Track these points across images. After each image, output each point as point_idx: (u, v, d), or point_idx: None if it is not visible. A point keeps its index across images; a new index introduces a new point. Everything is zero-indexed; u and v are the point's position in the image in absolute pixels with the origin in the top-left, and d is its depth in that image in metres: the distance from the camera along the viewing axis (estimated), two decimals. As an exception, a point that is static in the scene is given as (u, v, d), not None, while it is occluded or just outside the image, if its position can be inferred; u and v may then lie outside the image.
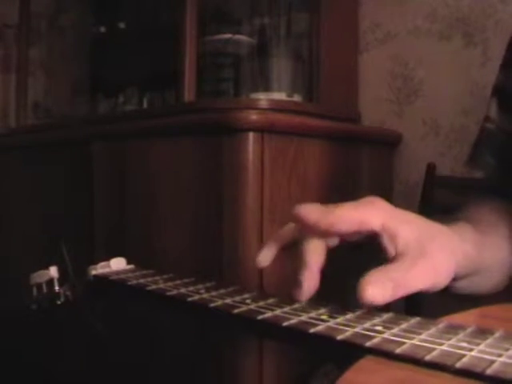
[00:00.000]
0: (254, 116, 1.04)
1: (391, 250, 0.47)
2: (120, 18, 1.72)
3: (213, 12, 1.49)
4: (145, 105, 1.64)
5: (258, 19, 1.46)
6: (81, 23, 1.91)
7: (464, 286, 0.55)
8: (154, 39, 1.55)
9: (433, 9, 1.37)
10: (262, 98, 1.25)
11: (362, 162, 1.30)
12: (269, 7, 1.46)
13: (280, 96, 1.32)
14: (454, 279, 0.50)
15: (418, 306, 1.12)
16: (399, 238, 0.46)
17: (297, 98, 1.34)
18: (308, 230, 0.47)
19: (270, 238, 0.51)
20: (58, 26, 2.02)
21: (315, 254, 0.47)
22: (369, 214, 0.47)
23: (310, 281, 0.46)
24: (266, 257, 0.50)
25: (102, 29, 1.78)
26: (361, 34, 1.48)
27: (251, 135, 1.04)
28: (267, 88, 1.35)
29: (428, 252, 0.46)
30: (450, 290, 0.53)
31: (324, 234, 0.47)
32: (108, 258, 0.64)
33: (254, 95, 1.33)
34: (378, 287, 0.42)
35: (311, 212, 0.46)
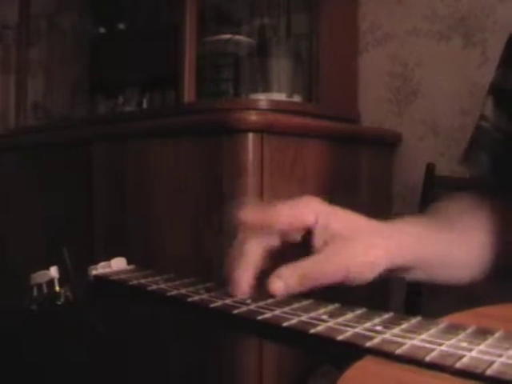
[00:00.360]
0: (253, 116, 1.05)
1: (319, 243, 0.49)
2: (119, 18, 1.72)
3: (212, 13, 1.49)
4: (144, 105, 1.64)
5: (257, 20, 1.46)
6: (80, 24, 1.91)
7: (421, 276, 0.58)
8: (153, 40, 1.55)
9: (432, 9, 1.37)
10: (262, 99, 1.25)
11: (361, 162, 1.30)
12: (268, 8, 1.46)
13: (280, 96, 1.32)
14: (400, 270, 0.54)
15: (418, 305, 1.13)
16: (328, 230, 0.49)
17: (296, 98, 1.34)
18: (249, 230, 0.49)
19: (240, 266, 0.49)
20: (57, 27, 2.02)
21: (252, 256, 0.49)
22: (304, 211, 0.50)
23: (245, 278, 0.48)
24: (246, 290, 0.49)
25: (102, 29, 1.78)
26: (360, 34, 1.48)
27: (251, 136, 1.04)
28: (267, 88, 1.34)
29: (347, 247, 0.49)
30: (406, 279, 0.57)
31: (263, 231, 0.49)
32: (108, 258, 0.64)
33: (254, 96, 1.33)
34: (282, 281, 0.46)
35: (250, 213, 0.49)
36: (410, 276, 0.57)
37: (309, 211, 0.50)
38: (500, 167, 0.69)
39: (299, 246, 0.51)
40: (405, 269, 0.55)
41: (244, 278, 0.48)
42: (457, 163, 0.78)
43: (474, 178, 0.73)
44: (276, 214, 0.49)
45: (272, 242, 0.50)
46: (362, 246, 0.49)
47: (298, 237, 0.51)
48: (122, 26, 1.72)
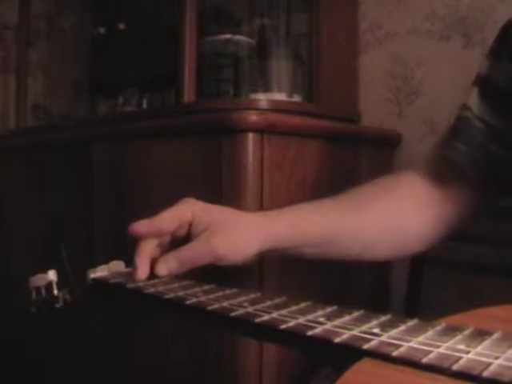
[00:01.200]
0: (253, 116, 1.04)
1: (195, 234, 0.62)
2: (119, 18, 1.72)
3: (212, 12, 1.48)
4: (144, 105, 1.64)
5: (257, 19, 1.46)
6: (80, 24, 1.91)
7: (312, 253, 0.69)
8: (153, 40, 1.55)
9: (432, 9, 1.37)
10: (262, 99, 1.24)
11: (361, 162, 1.30)
12: (268, 7, 1.46)
13: (280, 96, 1.32)
14: (279, 250, 0.66)
15: (418, 305, 1.13)
16: (199, 224, 0.62)
17: (296, 98, 1.34)
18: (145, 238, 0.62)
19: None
20: (57, 27, 2.02)
21: (147, 249, 0.61)
22: (183, 210, 0.63)
23: (142, 266, 0.60)
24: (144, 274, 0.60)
25: (102, 30, 1.78)
26: (360, 34, 1.48)
27: (251, 136, 1.04)
28: (267, 88, 1.34)
29: (216, 233, 0.61)
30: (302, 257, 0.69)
31: (157, 236, 0.62)
32: (107, 260, 0.64)
33: (254, 96, 1.33)
34: (165, 264, 0.60)
35: (140, 225, 0.62)
36: (298, 254, 0.69)
37: (186, 210, 0.63)
38: (476, 159, 0.70)
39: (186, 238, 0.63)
40: (284, 249, 0.67)
41: (141, 266, 0.60)
42: (432, 147, 0.78)
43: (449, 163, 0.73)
44: (160, 222, 0.62)
45: (164, 241, 0.63)
46: (229, 231, 0.62)
47: (183, 231, 0.63)
48: (122, 26, 1.72)
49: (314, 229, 0.68)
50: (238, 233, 0.62)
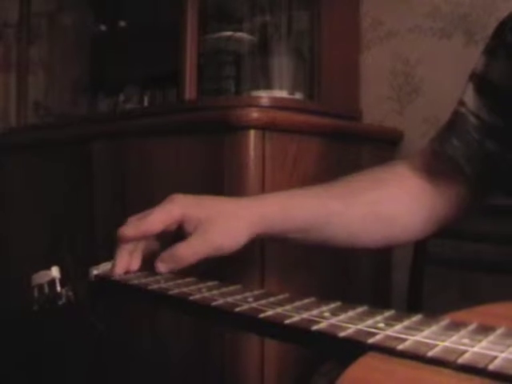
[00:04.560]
0: (255, 114, 1.04)
1: (188, 231, 0.62)
2: (121, 16, 1.72)
3: (213, 10, 1.48)
4: (145, 103, 1.64)
5: (258, 17, 1.46)
6: (81, 22, 1.91)
7: (302, 238, 0.69)
8: (154, 37, 1.54)
9: (434, 6, 1.37)
10: (264, 96, 1.24)
11: (363, 159, 1.30)
12: (270, 5, 1.45)
13: (281, 94, 1.32)
14: (272, 235, 0.67)
15: (419, 301, 1.13)
16: (191, 221, 0.62)
17: (298, 95, 1.34)
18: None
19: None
20: (58, 25, 2.01)
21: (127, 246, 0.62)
22: (172, 212, 0.62)
23: (122, 258, 0.62)
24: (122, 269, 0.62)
25: (103, 27, 1.78)
26: (362, 31, 1.48)
27: (252, 133, 1.04)
28: (268, 86, 1.34)
29: (211, 225, 0.61)
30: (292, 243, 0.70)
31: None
32: (109, 257, 0.64)
33: (255, 93, 1.33)
34: (164, 264, 0.60)
35: (128, 230, 0.61)
36: (288, 238, 0.69)
37: (174, 211, 0.62)
38: (470, 154, 0.70)
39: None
40: (274, 232, 0.67)
41: (119, 262, 0.61)
42: (427, 142, 0.78)
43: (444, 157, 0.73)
44: (148, 225, 0.61)
45: (151, 246, 0.65)
46: (223, 221, 0.62)
47: (171, 230, 0.63)
48: (122, 24, 1.72)
49: (303, 213, 0.69)
50: (231, 221, 0.63)
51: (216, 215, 0.62)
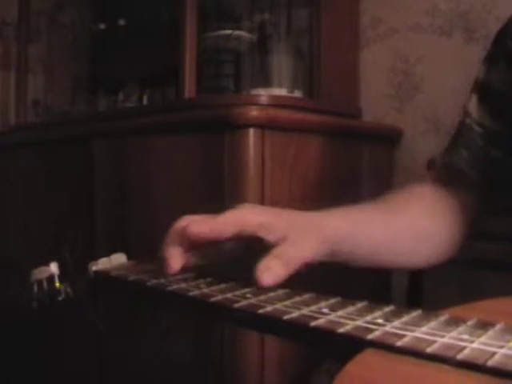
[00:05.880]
0: (254, 112, 1.04)
1: (271, 240, 0.53)
2: (120, 14, 1.71)
3: (213, 8, 1.48)
4: (145, 101, 1.64)
5: (258, 15, 1.46)
6: (80, 20, 1.91)
7: (361, 261, 0.63)
8: (154, 36, 1.54)
9: (433, 4, 1.37)
10: (263, 94, 1.24)
11: (362, 157, 1.30)
12: (269, 3, 1.45)
13: (280, 92, 1.32)
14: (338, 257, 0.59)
15: (419, 299, 1.13)
16: (276, 229, 0.54)
17: (297, 93, 1.34)
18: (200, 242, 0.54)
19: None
20: (57, 23, 2.01)
21: (176, 239, 0.56)
22: (243, 214, 0.54)
23: (174, 256, 0.55)
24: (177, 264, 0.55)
25: (102, 26, 1.77)
26: (361, 29, 1.48)
27: (252, 131, 1.04)
28: (268, 84, 1.34)
29: (298, 240, 0.54)
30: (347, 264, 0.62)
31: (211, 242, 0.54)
32: (109, 253, 0.64)
33: (255, 91, 1.32)
34: (271, 271, 0.50)
35: (198, 227, 0.53)
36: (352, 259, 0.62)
37: (248, 213, 0.55)
38: (478, 163, 0.70)
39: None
40: (340, 251, 0.60)
41: (172, 256, 0.54)
42: (438, 156, 0.78)
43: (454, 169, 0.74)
44: (222, 226, 0.53)
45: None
46: (306, 235, 0.55)
47: (240, 238, 0.54)
48: (122, 22, 1.72)
49: (370, 230, 0.63)
50: (312, 235, 0.56)
51: (301, 228, 0.56)
